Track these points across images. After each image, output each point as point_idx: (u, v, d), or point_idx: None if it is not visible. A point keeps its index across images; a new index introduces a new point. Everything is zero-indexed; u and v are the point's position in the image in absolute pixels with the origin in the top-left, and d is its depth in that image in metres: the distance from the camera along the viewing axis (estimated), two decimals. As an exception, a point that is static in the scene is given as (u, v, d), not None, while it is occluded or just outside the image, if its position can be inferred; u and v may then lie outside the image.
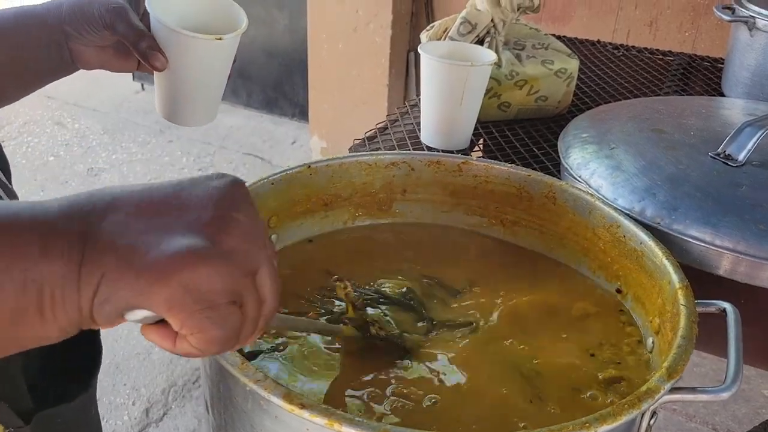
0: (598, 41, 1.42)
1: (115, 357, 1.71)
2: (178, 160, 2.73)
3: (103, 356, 0.66)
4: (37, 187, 2.54)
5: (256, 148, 2.76)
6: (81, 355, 0.62)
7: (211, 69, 0.72)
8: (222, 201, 0.37)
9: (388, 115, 1.07)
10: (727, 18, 1.07)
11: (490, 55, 0.89)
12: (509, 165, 0.74)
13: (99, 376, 0.65)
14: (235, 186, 0.38)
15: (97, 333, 0.65)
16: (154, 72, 0.71)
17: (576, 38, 1.43)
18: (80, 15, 0.66)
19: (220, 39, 0.69)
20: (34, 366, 0.55)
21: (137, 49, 0.67)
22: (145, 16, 0.70)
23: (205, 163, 2.70)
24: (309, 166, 0.71)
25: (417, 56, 2.33)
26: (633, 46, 1.40)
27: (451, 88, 0.88)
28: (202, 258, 0.34)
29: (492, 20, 0.97)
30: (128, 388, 1.64)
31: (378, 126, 1.02)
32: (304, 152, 2.69)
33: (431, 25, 1.03)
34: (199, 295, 0.34)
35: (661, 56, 1.35)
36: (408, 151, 0.77)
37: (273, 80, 2.96)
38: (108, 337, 1.74)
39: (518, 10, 0.99)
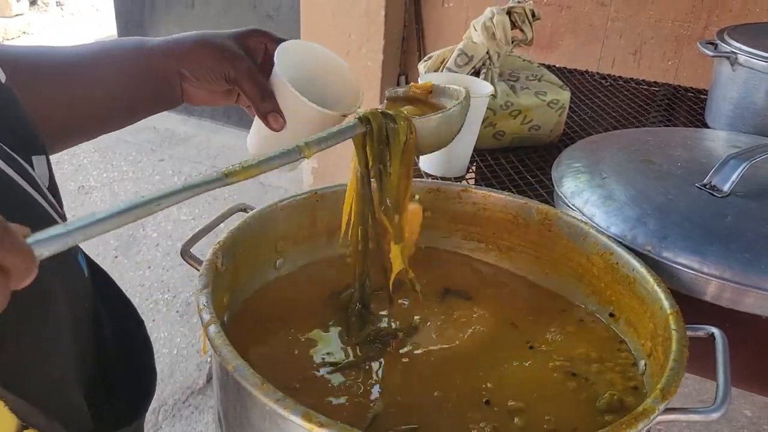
0: (586, 71, 1.46)
1: (106, 375, 1.71)
2: (169, 178, 2.74)
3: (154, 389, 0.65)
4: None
5: (246, 167, 2.77)
6: (137, 378, 0.62)
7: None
8: None
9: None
10: (710, 53, 1.11)
11: (487, 87, 0.93)
12: (506, 193, 0.77)
13: None
14: None
15: (152, 356, 0.65)
16: (259, 122, 0.71)
17: (565, 68, 1.48)
18: (203, 61, 0.66)
19: (343, 116, 0.69)
20: (94, 389, 0.55)
21: (258, 108, 0.68)
22: (264, 64, 0.69)
23: (195, 181, 2.70)
24: (316, 192, 0.74)
25: (408, 80, 2.38)
26: (620, 77, 1.45)
27: (450, 118, 0.91)
28: None
29: (487, 52, 1.01)
30: (118, 406, 1.64)
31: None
32: (295, 173, 2.71)
33: (429, 56, 1.06)
34: None
35: (646, 86, 1.39)
36: (409, 179, 0.80)
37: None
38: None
39: (512, 42, 1.03)
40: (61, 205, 0.55)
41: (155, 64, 0.67)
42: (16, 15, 4.81)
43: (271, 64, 0.68)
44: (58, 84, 0.64)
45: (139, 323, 0.66)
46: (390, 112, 0.62)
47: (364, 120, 0.61)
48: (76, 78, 0.65)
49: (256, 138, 0.75)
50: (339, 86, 0.73)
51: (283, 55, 0.68)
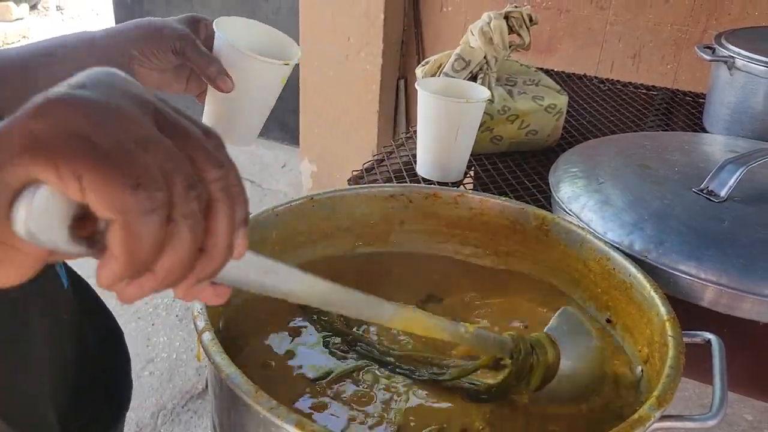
0: (585, 75, 1.46)
1: (105, 380, 1.71)
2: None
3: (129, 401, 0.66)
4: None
5: (246, 171, 2.78)
6: (116, 389, 0.62)
7: (269, 93, 0.76)
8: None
9: (384, 147, 1.10)
10: (708, 57, 1.11)
11: (484, 92, 0.93)
12: (503, 198, 0.77)
13: None
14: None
15: (130, 368, 0.65)
16: (210, 93, 0.74)
17: (563, 72, 1.48)
18: (150, 40, 0.69)
19: (287, 64, 0.73)
20: (63, 398, 0.55)
21: (206, 72, 0.71)
22: (206, 41, 0.74)
23: (194, 185, 2.70)
24: (311, 198, 0.74)
25: (407, 84, 2.38)
26: (618, 81, 1.45)
27: (447, 124, 0.91)
28: (54, 103, 0.28)
29: (485, 57, 1.01)
30: (117, 411, 1.64)
31: (375, 158, 1.06)
32: (294, 176, 2.71)
33: (426, 60, 1.06)
34: (91, 133, 0.28)
35: (644, 91, 1.39)
36: (406, 184, 0.80)
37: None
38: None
39: (509, 47, 1.03)
40: None
41: (106, 52, 0.68)
42: (16, 19, 4.82)
43: (213, 41, 0.73)
44: (10, 84, 0.64)
45: (120, 335, 0.65)
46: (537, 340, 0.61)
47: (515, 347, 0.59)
48: (28, 78, 0.65)
49: (210, 109, 0.77)
50: (277, 48, 0.77)
51: (221, 24, 0.73)
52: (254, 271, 0.38)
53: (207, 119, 0.78)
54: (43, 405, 0.51)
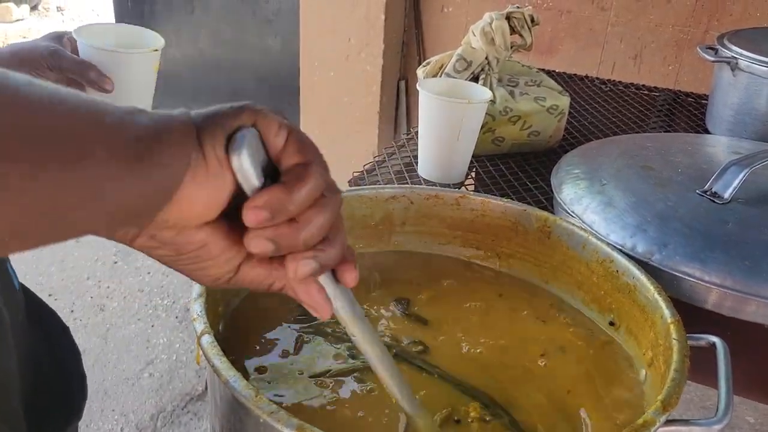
0: (586, 76, 1.46)
1: (104, 382, 1.70)
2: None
3: (91, 382, 0.67)
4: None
5: (245, 172, 2.77)
6: (67, 384, 0.62)
7: (145, 82, 0.82)
8: None
9: (385, 148, 1.09)
10: (711, 58, 1.10)
11: (486, 93, 0.92)
12: (505, 199, 0.77)
13: (88, 401, 0.66)
14: None
15: (80, 361, 0.65)
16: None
17: (565, 73, 1.47)
18: (25, 61, 0.72)
19: (154, 51, 0.80)
20: (29, 395, 0.55)
21: (86, 77, 0.75)
22: (74, 53, 0.78)
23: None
24: (312, 199, 0.73)
25: (408, 85, 2.38)
26: (620, 82, 1.44)
27: (448, 125, 0.91)
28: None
29: (486, 58, 1.00)
30: (117, 413, 1.63)
31: (376, 159, 1.05)
32: (294, 177, 2.70)
33: (427, 61, 1.06)
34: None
35: (646, 92, 1.39)
36: (407, 185, 0.80)
37: (264, 105, 2.98)
38: (97, 362, 1.73)
39: (511, 47, 1.02)
40: None
41: None
42: (17, 20, 4.82)
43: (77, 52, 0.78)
44: None
45: (65, 329, 0.67)
46: None
47: None
48: None
49: None
50: (140, 42, 0.83)
51: (81, 32, 0.78)
52: (354, 311, 0.45)
53: None
54: (13, 396, 0.52)
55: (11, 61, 0.72)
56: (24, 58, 0.72)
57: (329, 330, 0.66)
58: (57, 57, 0.74)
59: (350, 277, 0.43)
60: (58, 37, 0.78)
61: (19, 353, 0.55)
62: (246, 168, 0.37)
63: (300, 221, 0.38)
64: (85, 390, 0.64)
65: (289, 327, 0.67)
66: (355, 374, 0.61)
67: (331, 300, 0.43)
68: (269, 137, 0.38)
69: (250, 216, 0.37)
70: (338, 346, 0.64)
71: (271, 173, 0.39)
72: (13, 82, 0.30)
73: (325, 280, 0.42)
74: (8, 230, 0.30)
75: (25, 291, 0.64)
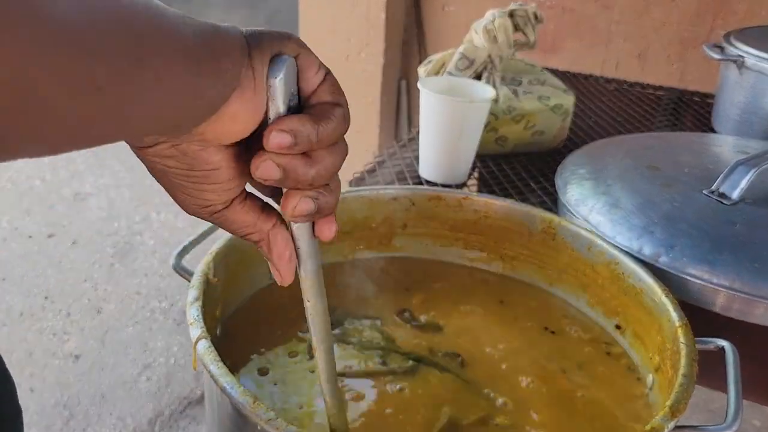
0: (591, 75, 1.45)
1: (101, 386, 1.69)
2: (168, 184, 2.71)
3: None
4: (23, 211, 2.52)
5: (246, 172, 2.76)
6: (1, 426, 0.59)
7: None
8: None
9: (386, 148, 1.08)
10: (717, 57, 1.09)
11: (489, 92, 0.91)
12: (509, 200, 0.75)
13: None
14: None
15: (13, 397, 0.61)
16: None
17: (569, 72, 1.46)
18: None
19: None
20: None
21: None
22: None
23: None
24: (312, 200, 0.72)
25: (408, 84, 2.36)
26: (625, 80, 1.43)
27: (450, 124, 0.89)
28: None
29: (489, 56, 0.99)
30: (114, 417, 1.62)
31: (377, 159, 1.04)
32: (295, 177, 2.69)
33: (429, 59, 1.04)
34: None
35: (652, 91, 1.37)
36: (409, 186, 0.78)
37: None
38: (94, 366, 1.72)
39: (514, 46, 1.01)
40: None
41: None
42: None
43: None
44: None
45: None
46: None
47: None
48: None
49: None
50: None
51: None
52: (319, 278, 0.45)
53: None
54: None
55: None
56: None
57: (354, 339, 0.65)
58: None
59: (329, 229, 0.42)
60: None
61: None
62: (280, 92, 0.37)
63: (313, 157, 0.38)
64: (18, 425, 0.60)
65: (289, 330, 0.65)
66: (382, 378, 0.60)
67: (300, 261, 0.43)
68: (308, 73, 0.39)
69: (273, 138, 0.37)
70: (366, 352, 0.63)
71: (295, 108, 0.39)
72: None
73: (303, 231, 0.42)
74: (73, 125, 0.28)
75: None
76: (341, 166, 0.41)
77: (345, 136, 0.41)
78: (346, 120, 0.40)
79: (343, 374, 0.59)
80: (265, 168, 0.37)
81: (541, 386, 0.60)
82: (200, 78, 0.32)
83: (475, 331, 0.68)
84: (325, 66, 0.40)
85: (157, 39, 0.30)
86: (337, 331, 0.65)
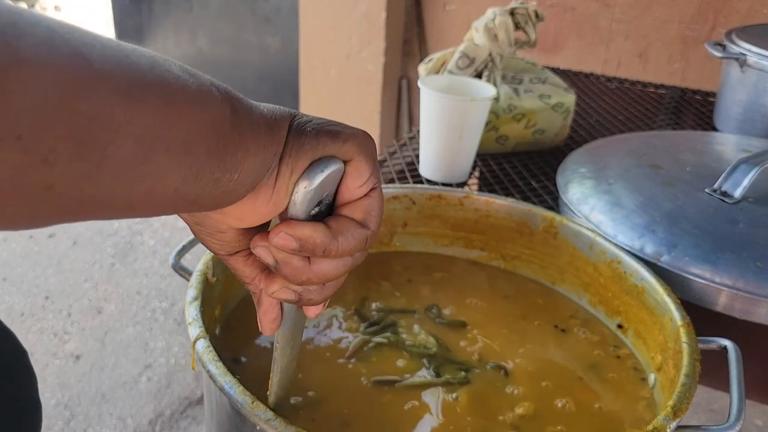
0: (592, 74, 1.44)
1: (101, 386, 1.69)
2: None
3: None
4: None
5: (246, 172, 2.75)
6: (20, 414, 0.60)
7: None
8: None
9: (387, 147, 1.08)
10: (719, 54, 1.09)
11: (489, 90, 0.90)
12: (510, 199, 0.75)
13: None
14: None
15: (35, 387, 0.62)
16: None
17: (570, 70, 1.45)
18: None
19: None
20: None
21: None
22: None
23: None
24: (311, 200, 0.72)
25: (409, 84, 2.36)
26: (626, 79, 1.42)
27: (451, 123, 0.89)
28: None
29: (490, 54, 0.98)
30: (114, 418, 1.61)
31: (377, 158, 1.03)
32: (295, 177, 2.69)
33: (429, 58, 1.04)
34: (376, 152, 0.38)
35: (653, 89, 1.37)
36: (409, 185, 0.78)
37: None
38: (95, 366, 1.71)
39: (515, 44, 1.00)
40: None
41: None
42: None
43: None
44: None
45: (22, 353, 0.63)
46: None
47: None
48: None
49: None
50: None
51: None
52: (294, 341, 0.47)
53: None
54: None
55: None
56: None
57: (408, 343, 0.64)
58: None
59: (314, 312, 0.42)
60: None
61: None
62: (304, 200, 0.35)
63: (314, 262, 0.37)
64: (36, 420, 0.61)
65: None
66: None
67: (282, 321, 0.43)
68: (352, 182, 0.36)
69: (278, 239, 0.35)
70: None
71: (323, 209, 0.37)
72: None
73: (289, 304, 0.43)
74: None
75: None
76: (345, 276, 0.39)
77: None
78: (366, 243, 0.37)
79: (396, 381, 0.59)
80: (261, 252, 0.37)
81: (571, 404, 0.59)
82: (219, 174, 0.30)
83: (494, 329, 0.67)
84: (376, 179, 0.37)
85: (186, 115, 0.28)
86: (388, 333, 0.64)
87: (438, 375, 0.60)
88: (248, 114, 0.32)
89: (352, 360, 0.61)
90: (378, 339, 0.63)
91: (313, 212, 0.36)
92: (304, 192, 0.35)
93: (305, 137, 0.34)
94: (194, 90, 0.28)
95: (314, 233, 0.35)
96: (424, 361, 0.61)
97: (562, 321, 0.69)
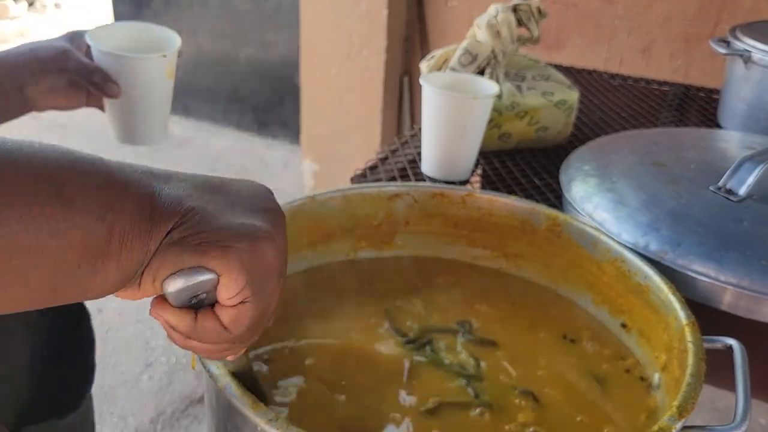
0: (595, 71, 1.43)
1: (103, 385, 1.68)
2: (170, 181, 2.71)
3: (91, 384, 0.66)
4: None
5: (246, 170, 2.75)
6: (74, 373, 0.62)
7: (156, 88, 0.79)
8: (268, 197, 0.41)
9: (388, 145, 1.07)
10: (723, 51, 1.08)
11: (492, 87, 0.90)
12: (513, 197, 0.74)
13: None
14: (268, 191, 0.42)
15: (91, 352, 0.65)
16: (106, 101, 0.78)
17: (572, 67, 1.44)
18: (34, 62, 0.73)
19: (163, 56, 0.77)
20: (25, 380, 0.55)
21: (91, 81, 0.74)
22: (87, 54, 0.77)
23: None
24: (312, 198, 0.71)
25: (411, 81, 2.35)
26: (629, 76, 1.42)
27: (453, 120, 0.88)
28: (268, 237, 0.38)
29: (492, 51, 0.98)
30: (116, 417, 1.61)
31: (379, 156, 1.03)
32: (296, 175, 2.68)
33: (431, 55, 1.03)
34: (263, 264, 0.38)
35: (656, 86, 1.36)
36: (411, 183, 0.77)
37: (264, 103, 2.97)
38: (96, 364, 1.71)
39: (518, 41, 1.00)
40: None
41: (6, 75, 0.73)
42: (14, 17, 4.80)
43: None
44: None
45: (85, 316, 0.69)
46: None
47: None
48: None
49: (110, 116, 0.81)
50: (158, 44, 0.80)
51: (94, 34, 0.77)
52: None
53: (111, 126, 0.82)
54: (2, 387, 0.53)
55: (32, 60, 0.73)
56: (41, 57, 0.73)
57: (447, 361, 0.63)
58: (64, 57, 0.73)
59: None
60: (73, 37, 0.78)
61: (33, 342, 0.56)
62: (172, 299, 0.38)
63: (187, 339, 0.40)
64: (87, 382, 0.64)
65: (290, 326, 0.65)
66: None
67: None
68: (221, 294, 0.38)
69: (152, 314, 0.38)
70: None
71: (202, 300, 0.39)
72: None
73: None
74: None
75: None
76: (243, 345, 0.43)
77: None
78: (231, 343, 0.40)
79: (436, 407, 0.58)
80: (153, 314, 0.39)
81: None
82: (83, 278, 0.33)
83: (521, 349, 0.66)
84: (248, 294, 0.38)
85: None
86: (427, 349, 0.64)
87: (477, 395, 0.59)
88: (138, 219, 0.34)
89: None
90: (419, 358, 0.63)
91: (193, 302, 0.38)
92: (167, 293, 0.37)
93: (171, 252, 0.36)
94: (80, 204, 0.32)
95: (179, 322, 0.38)
96: (463, 380, 0.61)
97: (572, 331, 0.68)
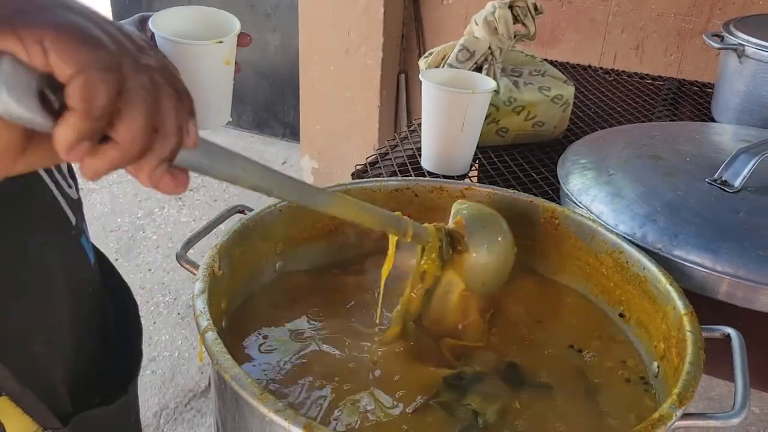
0: (590, 66, 1.44)
1: (106, 380, 1.69)
2: (168, 180, 2.71)
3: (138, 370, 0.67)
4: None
5: (245, 168, 2.75)
6: (121, 360, 0.62)
7: (215, 74, 0.79)
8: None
9: (388, 140, 1.08)
10: (717, 45, 1.09)
11: (489, 83, 0.91)
12: (511, 191, 0.75)
13: None
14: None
15: (138, 339, 0.66)
16: None
17: (568, 63, 1.46)
18: None
19: (220, 42, 0.76)
20: (74, 368, 0.55)
21: None
22: (152, 38, 0.76)
23: (195, 183, 2.69)
24: (314, 194, 0.72)
25: (408, 78, 2.36)
26: (624, 71, 1.43)
27: (452, 115, 0.89)
28: (85, 28, 0.33)
29: (489, 47, 0.99)
30: (119, 411, 1.62)
31: (379, 151, 1.04)
32: (295, 172, 2.69)
33: (429, 51, 1.04)
34: (80, 31, 0.32)
35: (651, 81, 1.37)
36: (411, 178, 0.78)
37: (264, 100, 2.97)
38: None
39: (514, 37, 1.01)
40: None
41: None
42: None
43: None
44: None
45: (135, 307, 0.68)
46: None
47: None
48: None
49: None
50: (218, 29, 0.79)
51: (157, 19, 0.76)
52: (206, 157, 0.41)
53: None
54: (53, 368, 0.52)
55: None
56: None
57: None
58: None
59: (192, 142, 0.38)
60: (142, 20, 0.77)
61: (81, 326, 0.56)
62: (12, 111, 0.32)
63: (117, 137, 0.33)
64: (132, 370, 0.64)
65: (291, 324, 0.65)
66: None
67: (186, 176, 0.39)
68: (27, 61, 0.32)
69: (63, 154, 0.32)
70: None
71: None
72: None
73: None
74: None
75: (104, 266, 0.64)
76: (152, 107, 0.35)
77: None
78: (98, 81, 0.32)
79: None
80: (90, 169, 0.34)
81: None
82: None
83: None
84: (42, 32, 0.31)
85: None
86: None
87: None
88: None
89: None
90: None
91: (53, 102, 0.33)
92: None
93: None
94: None
95: (66, 127, 0.32)
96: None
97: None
